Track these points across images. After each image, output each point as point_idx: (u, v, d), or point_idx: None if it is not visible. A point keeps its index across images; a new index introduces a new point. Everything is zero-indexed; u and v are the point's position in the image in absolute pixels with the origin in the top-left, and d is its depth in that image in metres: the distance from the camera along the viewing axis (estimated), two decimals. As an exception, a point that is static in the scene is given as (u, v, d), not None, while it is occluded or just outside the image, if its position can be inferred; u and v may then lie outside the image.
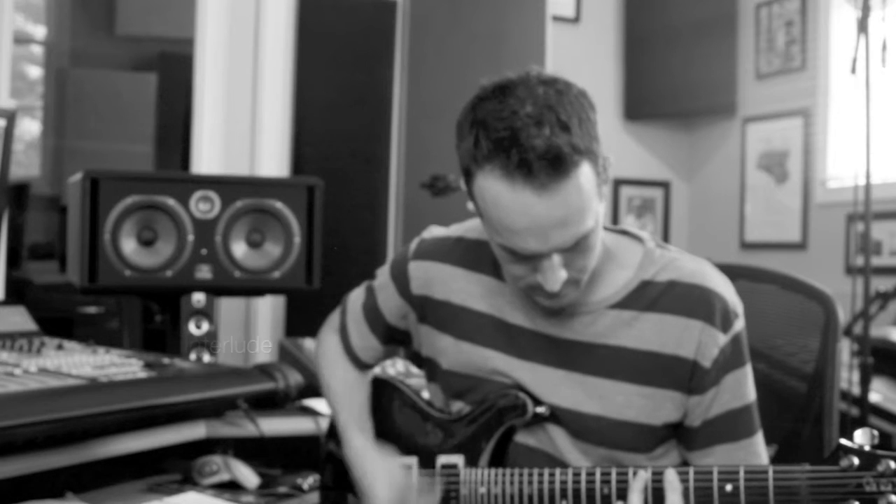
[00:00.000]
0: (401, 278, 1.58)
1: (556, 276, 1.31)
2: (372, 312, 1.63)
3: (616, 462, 1.41)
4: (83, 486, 1.72)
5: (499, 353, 1.48)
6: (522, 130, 1.23)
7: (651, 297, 1.41)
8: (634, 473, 1.33)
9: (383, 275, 1.63)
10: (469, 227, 1.56)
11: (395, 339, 1.65)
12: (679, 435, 1.45)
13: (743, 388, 1.42)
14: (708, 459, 1.41)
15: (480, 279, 1.51)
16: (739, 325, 1.42)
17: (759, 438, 1.44)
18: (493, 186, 1.27)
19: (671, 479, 1.31)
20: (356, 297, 1.68)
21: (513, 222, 1.27)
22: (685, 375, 1.39)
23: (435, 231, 1.61)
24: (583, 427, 1.42)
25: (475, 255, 1.52)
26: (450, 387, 1.53)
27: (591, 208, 1.29)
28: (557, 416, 1.43)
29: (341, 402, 1.63)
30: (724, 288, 1.42)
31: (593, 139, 1.28)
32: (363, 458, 1.54)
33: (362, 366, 1.67)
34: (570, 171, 1.24)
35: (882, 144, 3.73)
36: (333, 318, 1.73)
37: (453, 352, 1.52)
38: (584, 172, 1.26)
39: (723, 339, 1.39)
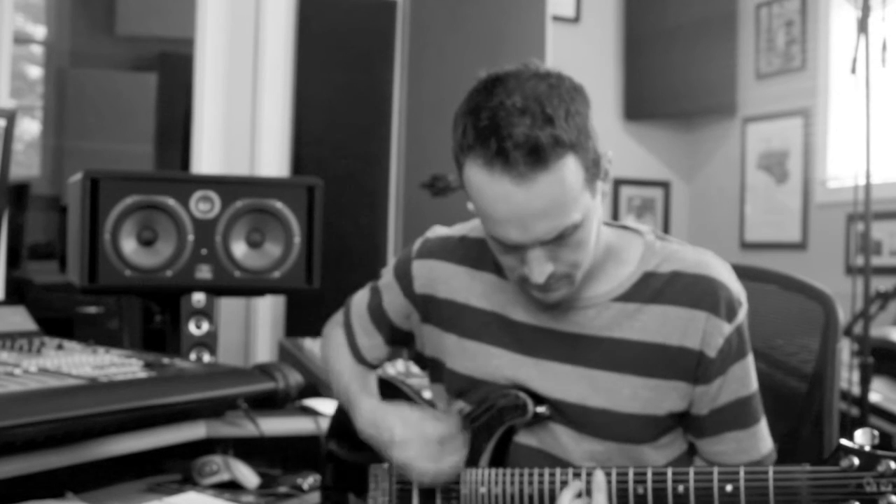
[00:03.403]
0: (404, 278, 1.58)
1: (540, 268, 1.31)
2: (377, 312, 1.63)
3: (622, 454, 1.41)
4: (83, 486, 1.73)
5: (503, 351, 1.47)
6: (504, 120, 1.24)
7: (655, 288, 1.41)
8: (637, 473, 1.33)
9: (387, 274, 1.62)
10: (473, 226, 1.56)
11: (398, 341, 1.65)
12: (686, 423, 1.45)
13: (749, 376, 1.43)
14: (719, 447, 1.42)
15: (484, 277, 1.50)
16: (743, 314, 1.42)
17: (764, 423, 1.45)
18: (476, 175, 1.28)
19: (598, 481, 1.33)
20: (360, 297, 1.68)
21: (494, 211, 1.28)
22: (691, 366, 1.39)
23: (438, 230, 1.60)
24: (588, 421, 1.42)
25: (478, 254, 1.52)
26: (453, 386, 1.53)
27: (576, 201, 1.28)
28: (563, 410, 1.43)
29: (353, 378, 1.61)
30: (728, 277, 1.42)
31: (581, 133, 1.27)
32: (374, 414, 1.51)
33: (367, 366, 1.66)
34: (550, 163, 1.24)
35: (882, 144, 3.72)
36: (338, 318, 1.72)
37: (457, 351, 1.51)
38: (569, 165, 1.26)
39: (728, 328, 1.39)
